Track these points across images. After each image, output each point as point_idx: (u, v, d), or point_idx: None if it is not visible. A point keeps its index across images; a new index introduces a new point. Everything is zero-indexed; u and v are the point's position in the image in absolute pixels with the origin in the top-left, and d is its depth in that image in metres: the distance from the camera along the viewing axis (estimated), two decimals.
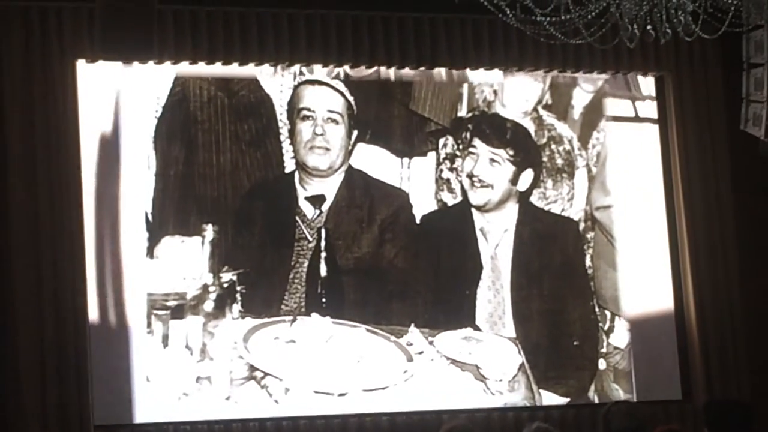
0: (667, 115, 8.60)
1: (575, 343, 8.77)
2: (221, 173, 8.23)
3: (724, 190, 8.53)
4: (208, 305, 8.04)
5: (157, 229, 8.10)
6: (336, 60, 8.04)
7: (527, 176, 8.85)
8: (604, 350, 8.80)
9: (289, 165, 8.42)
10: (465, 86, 8.74)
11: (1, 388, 7.24)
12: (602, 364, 8.83)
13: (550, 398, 8.58)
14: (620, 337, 8.85)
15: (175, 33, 7.63)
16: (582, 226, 8.92)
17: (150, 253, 8.06)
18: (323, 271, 8.34)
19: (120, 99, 7.95)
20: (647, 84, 8.92)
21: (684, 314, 8.56)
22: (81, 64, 7.62)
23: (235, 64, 7.91)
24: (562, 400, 8.58)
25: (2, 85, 7.32)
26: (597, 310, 8.84)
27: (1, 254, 7.30)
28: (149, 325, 7.94)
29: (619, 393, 8.63)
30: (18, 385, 7.20)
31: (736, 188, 8.55)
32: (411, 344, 8.37)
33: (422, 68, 8.35)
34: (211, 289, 8.06)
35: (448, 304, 8.58)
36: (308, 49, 7.90)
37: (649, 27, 5.86)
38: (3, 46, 7.36)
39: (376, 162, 8.57)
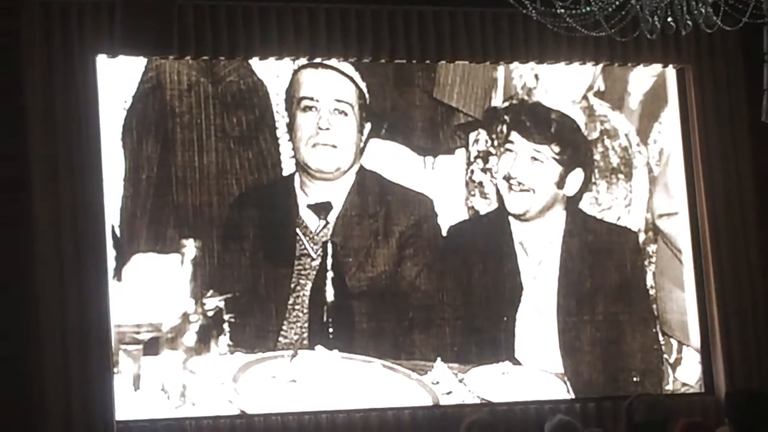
0: (688, 107, 8.60)
1: (635, 378, 8.18)
2: (204, 177, 7.76)
3: (746, 181, 8.51)
4: (189, 338, 7.51)
5: (125, 246, 7.57)
6: (357, 54, 8.00)
7: (576, 178, 8.28)
8: (669, 387, 8.26)
9: (288, 166, 7.89)
10: (500, 70, 8.29)
11: (26, 387, 7.18)
12: None
13: None
14: (689, 370, 8.32)
15: (196, 28, 7.71)
16: (642, 237, 8.38)
17: (117, 274, 7.49)
18: (329, 295, 7.80)
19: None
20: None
21: (706, 306, 8.38)
22: (102, 60, 7.65)
23: (256, 59, 7.93)
24: None
25: (23, 81, 7.46)
26: (661, 338, 8.32)
27: (23, 253, 7.28)
28: (116, 363, 7.39)
29: None
30: (42, 385, 7.19)
31: (758, 178, 8.54)
32: (437, 383, 7.82)
33: (442, 62, 8.22)
34: (193, 318, 7.54)
35: (481, 333, 8.01)
36: (328, 44, 7.92)
37: (669, 19, 5.92)
38: (24, 41, 7.48)
39: (393, 161, 8.05)
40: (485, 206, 8.08)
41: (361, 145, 7.96)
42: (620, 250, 8.24)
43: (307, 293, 7.70)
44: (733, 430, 5.31)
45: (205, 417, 7.43)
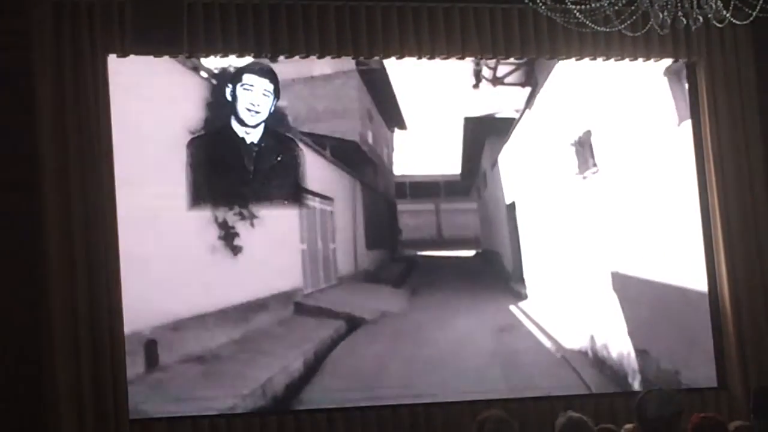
0: (698, 101, 8.61)
1: None
2: None
3: (758, 175, 8.50)
4: None
5: None
6: (367, 51, 8.05)
7: None
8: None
9: None
10: None
11: (41, 382, 7.31)
12: None
13: None
14: None
15: (205, 26, 7.72)
16: None
17: None
18: None
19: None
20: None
21: (718, 300, 8.46)
22: (112, 59, 7.65)
23: (266, 57, 7.94)
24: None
25: (34, 80, 7.45)
26: None
27: (35, 252, 7.35)
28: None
29: None
30: (55, 381, 7.30)
31: None
32: None
33: (451, 58, 8.17)
34: None
35: None
36: (338, 41, 7.94)
37: (680, 14, 5.90)
38: (34, 40, 7.49)
39: None
40: None
41: None
42: None
43: None
44: (759, 426, 5.25)
45: (218, 415, 7.52)
